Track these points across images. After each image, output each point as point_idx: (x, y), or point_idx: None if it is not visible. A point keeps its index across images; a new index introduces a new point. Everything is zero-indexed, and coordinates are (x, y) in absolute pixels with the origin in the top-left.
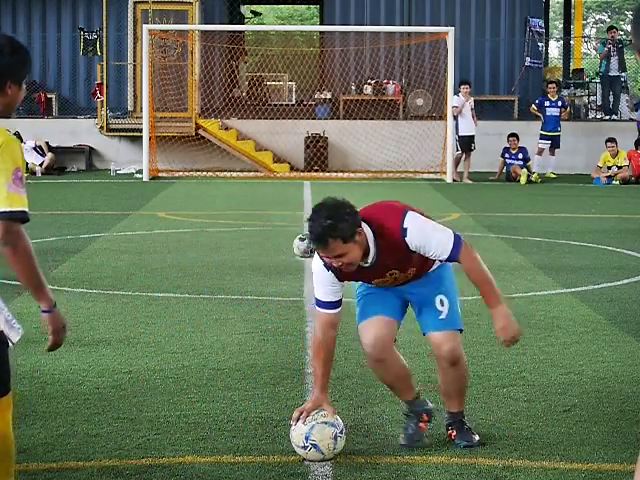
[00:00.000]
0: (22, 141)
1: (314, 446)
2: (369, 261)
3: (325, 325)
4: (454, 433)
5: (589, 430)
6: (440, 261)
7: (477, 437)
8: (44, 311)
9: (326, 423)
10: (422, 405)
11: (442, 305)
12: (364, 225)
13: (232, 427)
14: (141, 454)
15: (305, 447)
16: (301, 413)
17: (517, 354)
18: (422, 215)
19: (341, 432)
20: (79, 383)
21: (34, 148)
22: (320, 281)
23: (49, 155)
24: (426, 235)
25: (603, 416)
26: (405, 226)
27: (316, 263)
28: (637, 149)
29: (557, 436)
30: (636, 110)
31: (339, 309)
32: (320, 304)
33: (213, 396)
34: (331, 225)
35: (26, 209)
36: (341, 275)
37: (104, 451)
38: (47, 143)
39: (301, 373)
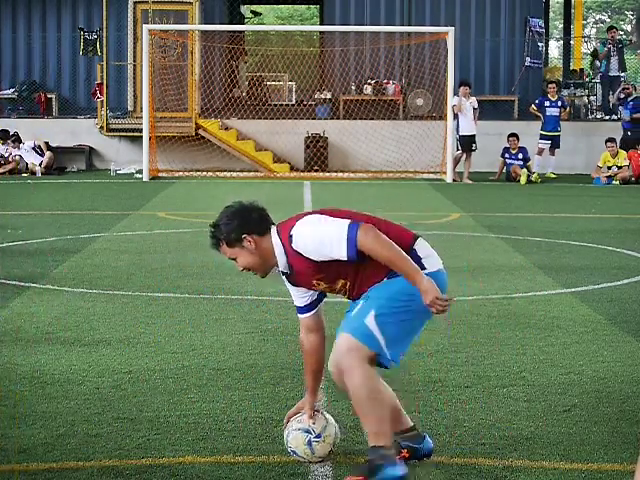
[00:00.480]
0: (21, 141)
1: (294, 452)
2: (284, 269)
3: (303, 329)
4: (405, 453)
5: (589, 430)
6: (392, 272)
7: (364, 471)
8: None
9: (299, 429)
10: (410, 440)
11: (355, 309)
12: (275, 234)
13: (232, 427)
14: (141, 454)
15: (331, 451)
16: (288, 418)
17: (517, 354)
18: (332, 215)
19: (317, 437)
20: (79, 383)
21: (33, 148)
22: (288, 286)
23: (48, 154)
24: (314, 239)
25: (603, 416)
26: (291, 233)
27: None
28: (621, 148)
29: (557, 436)
30: (620, 105)
31: (310, 313)
32: (297, 309)
33: (213, 396)
34: (215, 226)
35: None
36: (289, 280)
37: (104, 451)
38: (46, 143)
39: (301, 373)
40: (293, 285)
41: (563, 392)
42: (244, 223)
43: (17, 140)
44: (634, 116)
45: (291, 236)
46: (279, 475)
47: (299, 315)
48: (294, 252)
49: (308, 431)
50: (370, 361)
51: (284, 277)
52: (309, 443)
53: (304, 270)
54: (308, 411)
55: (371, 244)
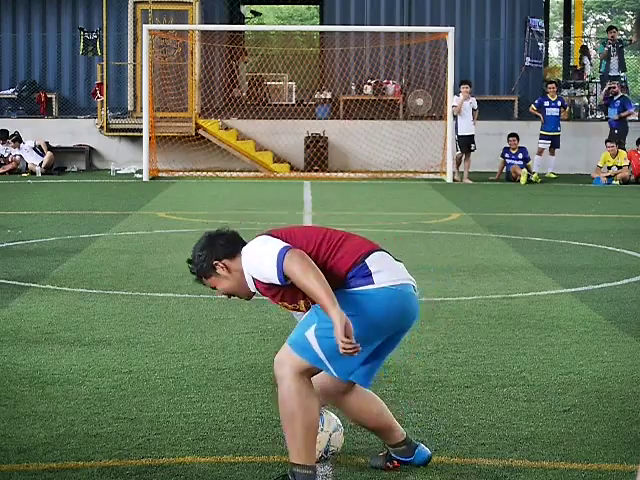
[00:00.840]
0: (21, 141)
1: (333, 453)
2: (253, 290)
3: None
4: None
5: (589, 430)
6: (348, 286)
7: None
8: None
9: (336, 430)
10: (400, 454)
11: (300, 322)
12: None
13: (232, 427)
14: (141, 454)
15: (326, 458)
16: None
17: (517, 354)
18: (281, 235)
19: (342, 427)
20: (79, 383)
21: (34, 148)
22: None
23: (48, 154)
24: (253, 261)
25: (603, 416)
26: (242, 253)
27: None
28: (606, 144)
29: (557, 436)
30: (607, 104)
31: None
32: None
33: (213, 396)
34: (189, 261)
35: None
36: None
37: (104, 451)
38: (47, 143)
39: None
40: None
41: (563, 392)
42: (212, 251)
43: (17, 140)
44: (621, 115)
45: (241, 255)
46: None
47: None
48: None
49: (340, 424)
50: (307, 374)
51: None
52: (342, 433)
53: (264, 291)
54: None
55: (291, 271)
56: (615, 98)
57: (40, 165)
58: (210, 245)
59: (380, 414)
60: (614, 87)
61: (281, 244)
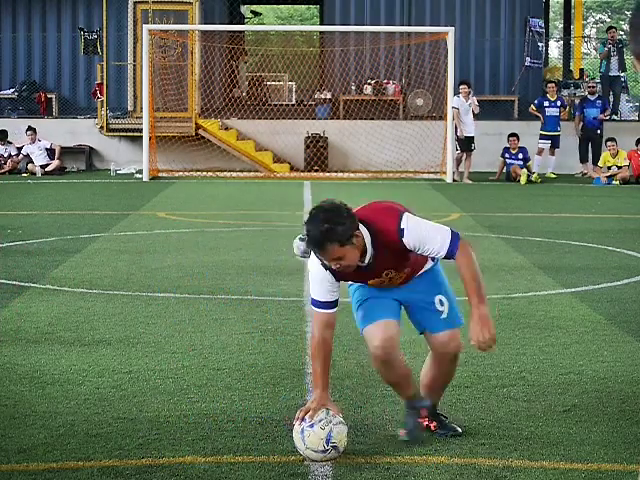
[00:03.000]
0: (36, 134)
1: (334, 447)
2: (366, 261)
3: (322, 325)
4: (434, 424)
5: (589, 430)
6: (432, 259)
7: (458, 427)
8: None
9: (340, 422)
10: (421, 401)
11: (442, 305)
12: (361, 226)
13: (232, 427)
14: (141, 454)
15: (325, 450)
16: (305, 413)
17: (517, 354)
18: (416, 216)
19: (347, 429)
20: (79, 383)
21: (47, 149)
22: (317, 281)
23: (56, 161)
24: (423, 234)
25: (603, 416)
26: (402, 227)
27: (313, 262)
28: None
29: (557, 436)
30: (583, 104)
31: (335, 309)
32: (317, 304)
33: (213, 396)
34: (328, 229)
35: None
36: (339, 275)
37: (104, 451)
38: (61, 148)
39: (301, 373)
40: (341, 279)
41: (563, 392)
42: (351, 220)
43: (34, 133)
44: (600, 117)
45: (402, 230)
46: (279, 475)
47: (323, 311)
48: (394, 244)
49: (344, 423)
50: None
51: (328, 271)
52: (346, 434)
53: (386, 261)
54: (333, 406)
55: (467, 255)
56: (593, 98)
57: (44, 168)
58: (350, 215)
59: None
60: (594, 86)
61: (444, 226)
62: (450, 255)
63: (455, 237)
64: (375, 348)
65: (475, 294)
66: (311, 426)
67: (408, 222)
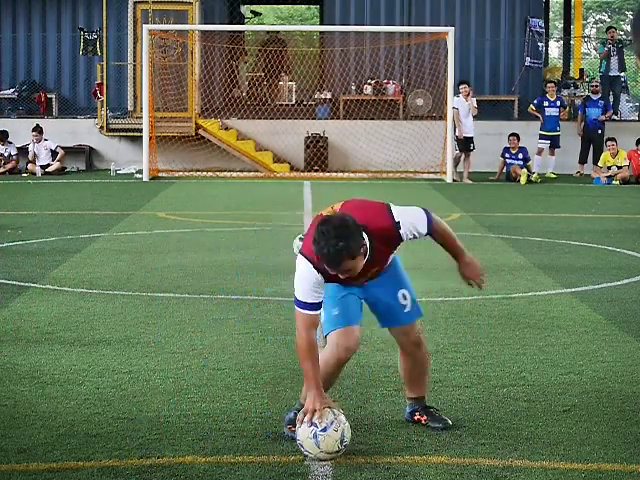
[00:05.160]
0: (42, 134)
1: (345, 446)
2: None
3: (308, 326)
4: (424, 418)
5: (589, 430)
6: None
7: (448, 419)
8: None
9: (346, 420)
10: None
11: (405, 299)
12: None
13: (232, 427)
14: (141, 454)
15: (339, 451)
16: (312, 415)
17: (517, 354)
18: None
19: (323, 430)
20: (79, 383)
21: (52, 150)
22: (305, 282)
23: (57, 163)
24: (411, 220)
25: (603, 416)
26: (397, 220)
27: (301, 263)
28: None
29: (557, 436)
30: (586, 103)
31: (320, 310)
32: (302, 305)
33: (213, 396)
34: (343, 247)
35: None
36: (329, 277)
37: (104, 451)
38: (64, 150)
39: (301, 373)
40: (330, 281)
41: (563, 392)
42: (360, 233)
43: (40, 132)
44: (600, 117)
45: (398, 223)
46: (279, 475)
47: (311, 312)
48: (392, 239)
49: (315, 425)
50: None
51: (320, 274)
52: (315, 436)
53: (380, 258)
54: (333, 404)
55: (441, 222)
56: (596, 98)
57: (44, 167)
58: (357, 227)
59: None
60: (597, 85)
61: (417, 206)
62: (430, 231)
63: (427, 212)
64: (344, 351)
65: (457, 252)
66: (324, 430)
67: (400, 214)
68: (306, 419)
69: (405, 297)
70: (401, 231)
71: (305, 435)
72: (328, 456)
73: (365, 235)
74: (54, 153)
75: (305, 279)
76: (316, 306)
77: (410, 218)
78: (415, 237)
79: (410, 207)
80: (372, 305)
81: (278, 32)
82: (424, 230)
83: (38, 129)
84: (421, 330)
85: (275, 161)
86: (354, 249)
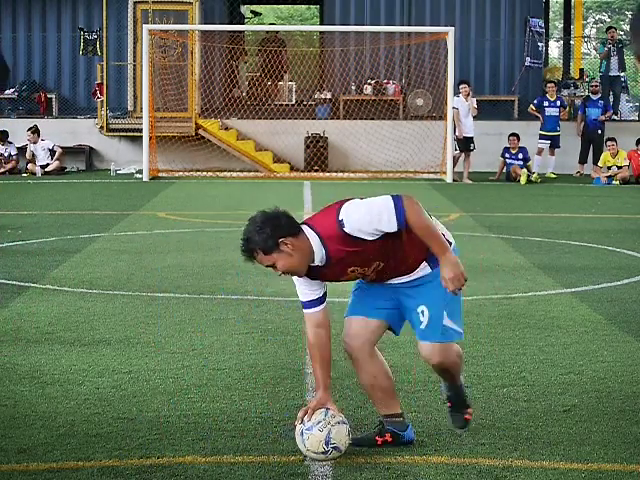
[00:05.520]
0: (39, 135)
1: (335, 448)
2: (317, 262)
3: (312, 324)
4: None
5: (589, 430)
6: (430, 264)
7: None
8: None
9: (339, 423)
10: (395, 426)
11: (422, 316)
12: (308, 230)
13: (232, 427)
14: (141, 454)
15: (326, 452)
16: (305, 413)
17: (517, 354)
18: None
19: (349, 427)
20: (79, 383)
21: (50, 149)
22: (298, 282)
23: (56, 163)
24: (365, 218)
25: (603, 416)
26: (341, 218)
27: None
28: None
29: (557, 436)
30: (585, 103)
31: (321, 307)
32: (303, 305)
33: (213, 396)
34: (247, 239)
35: None
36: (311, 274)
37: (104, 451)
38: (62, 149)
39: (301, 373)
40: (315, 279)
41: (563, 392)
42: (276, 228)
43: (36, 133)
44: (600, 117)
45: (341, 221)
46: (279, 475)
47: (307, 310)
48: (342, 238)
49: (345, 422)
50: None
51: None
52: (349, 433)
53: (344, 257)
54: (333, 406)
55: (416, 213)
56: (595, 98)
57: (43, 167)
58: (274, 222)
59: (391, 378)
60: (597, 85)
61: (387, 196)
62: (402, 227)
63: (398, 207)
64: (344, 341)
65: (435, 249)
66: (309, 429)
67: (347, 211)
68: (299, 415)
69: (423, 314)
70: (346, 229)
71: (296, 433)
72: (316, 456)
73: (312, 232)
74: (52, 152)
75: (295, 279)
76: (313, 303)
77: (364, 215)
78: (386, 231)
79: (379, 200)
80: (402, 310)
81: (277, 32)
82: (391, 228)
83: (32, 129)
84: (446, 360)
85: (275, 161)
86: (258, 243)
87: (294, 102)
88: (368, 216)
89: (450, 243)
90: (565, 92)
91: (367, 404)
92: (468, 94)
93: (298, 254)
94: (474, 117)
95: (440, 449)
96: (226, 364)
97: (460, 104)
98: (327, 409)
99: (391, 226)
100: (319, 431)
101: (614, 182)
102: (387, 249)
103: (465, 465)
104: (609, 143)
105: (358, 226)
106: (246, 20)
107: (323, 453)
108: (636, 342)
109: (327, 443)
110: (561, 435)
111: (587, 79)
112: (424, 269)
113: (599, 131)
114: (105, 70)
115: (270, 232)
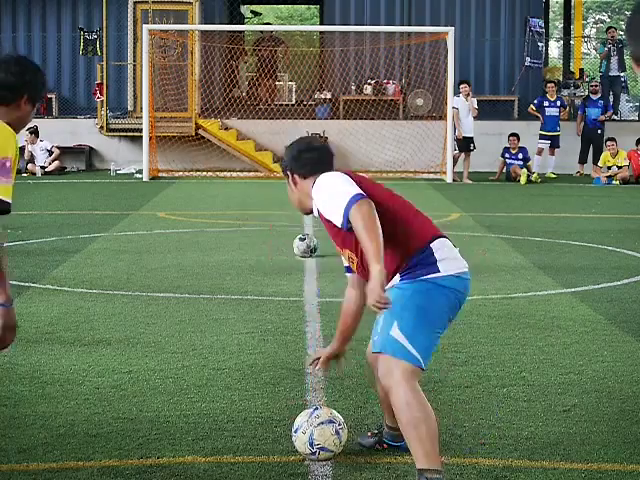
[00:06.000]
0: (38, 136)
1: (321, 449)
2: (316, 215)
3: (348, 284)
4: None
5: (589, 430)
6: (405, 274)
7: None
8: (0, 305)
9: (322, 423)
10: (393, 438)
11: (378, 325)
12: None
13: (232, 427)
14: (141, 454)
15: (313, 453)
16: (317, 359)
17: (517, 354)
18: (350, 177)
19: (340, 425)
20: (79, 383)
21: (48, 150)
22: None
23: (55, 163)
24: (325, 201)
25: (603, 416)
26: (316, 180)
27: None
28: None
29: (557, 436)
30: (585, 103)
31: (353, 273)
32: (345, 268)
33: (213, 396)
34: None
35: (6, 199)
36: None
37: (104, 451)
38: (60, 149)
39: (301, 373)
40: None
41: (563, 392)
42: (292, 159)
43: (35, 134)
44: (600, 117)
45: (314, 183)
46: (279, 475)
47: (347, 273)
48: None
49: (332, 421)
50: (415, 375)
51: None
52: (337, 432)
53: (324, 222)
54: (341, 362)
55: (356, 219)
56: (595, 98)
57: (43, 167)
58: (296, 152)
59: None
60: (596, 85)
61: (356, 190)
62: (344, 227)
63: (349, 207)
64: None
65: (367, 256)
66: (295, 431)
67: (317, 183)
68: (311, 364)
69: (378, 323)
70: (312, 191)
71: (328, 434)
72: (307, 457)
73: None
74: (51, 154)
75: None
76: (347, 269)
77: (324, 197)
78: (339, 224)
79: (342, 191)
80: None
81: (271, 31)
82: (340, 223)
83: (31, 130)
84: (387, 378)
85: (275, 161)
86: (284, 161)
87: (294, 102)
88: (327, 206)
89: (436, 270)
90: (565, 92)
91: (367, 404)
92: (468, 94)
93: (297, 194)
94: (474, 117)
95: (440, 449)
96: (226, 364)
97: (460, 104)
98: (315, 409)
99: (337, 222)
100: (302, 434)
101: (614, 182)
102: (355, 245)
103: (465, 465)
104: (609, 143)
105: (318, 203)
106: (246, 20)
107: (311, 454)
108: (636, 342)
109: (311, 445)
110: (561, 435)
111: (587, 79)
112: (394, 280)
113: (599, 131)
114: (105, 70)
115: (288, 158)
